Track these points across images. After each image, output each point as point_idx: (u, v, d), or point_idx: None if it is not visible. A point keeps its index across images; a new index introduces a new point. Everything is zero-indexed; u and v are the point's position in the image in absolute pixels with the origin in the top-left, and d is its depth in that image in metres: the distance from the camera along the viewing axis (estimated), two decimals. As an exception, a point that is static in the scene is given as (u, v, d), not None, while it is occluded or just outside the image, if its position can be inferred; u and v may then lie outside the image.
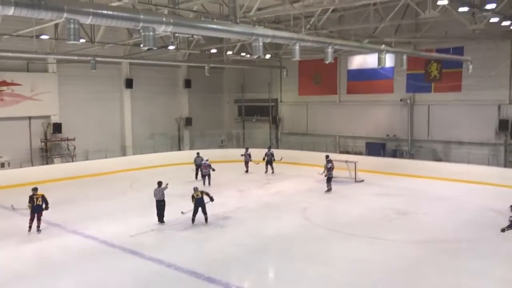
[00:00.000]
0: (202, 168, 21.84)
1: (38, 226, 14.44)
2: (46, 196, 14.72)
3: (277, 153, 25.73)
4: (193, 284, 10.52)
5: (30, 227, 14.34)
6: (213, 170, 21.68)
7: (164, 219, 15.36)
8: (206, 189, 17.73)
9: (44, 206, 14.48)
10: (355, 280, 10.70)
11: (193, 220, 15.21)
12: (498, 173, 21.39)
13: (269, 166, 24.81)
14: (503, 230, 11.74)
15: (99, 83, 27.42)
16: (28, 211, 14.44)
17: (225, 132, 34.43)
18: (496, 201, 18.06)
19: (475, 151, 23.81)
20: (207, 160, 21.95)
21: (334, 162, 20.72)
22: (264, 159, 24.89)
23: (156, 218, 15.31)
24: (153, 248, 12.85)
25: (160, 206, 15.35)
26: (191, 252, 12.67)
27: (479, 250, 12.65)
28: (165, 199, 15.39)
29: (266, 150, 25.23)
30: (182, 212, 15.61)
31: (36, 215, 14.33)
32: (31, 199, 14.39)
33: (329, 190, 19.94)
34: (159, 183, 15.59)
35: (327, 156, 21.02)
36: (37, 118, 25.05)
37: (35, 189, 14.65)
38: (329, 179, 20.07)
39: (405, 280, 10.65)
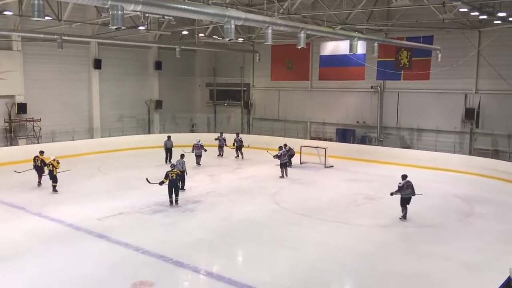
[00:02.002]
0: (195, 149, 22.22)
1: (39, 182, 17.81)
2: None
3: (247, 138, 25.72)
4: (161, 268, 10.44)
5: (39, 182, 17.84)
6: (205, 150, 22.40)
7: (138, 202, 15.60)
8: (196, 169, 17.99)
9: (42, 166, 17.69)
10: (324, 264, 10.85)
11: (171, 202, 15.29)
12: (462, 161, 21.99)
13: (239, 152, 24.83)
14: (391, 194, 14.10)
15: (66, 63, 26.61)
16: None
17: (197, 116, 34.12)
18: (459, 187, 18.66)
19: (442, 139, 24.38)
20: (199, 141, 22.51)
21: (305, 148, 20.77)
22: (233, 145, 24.92)
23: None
24: (120, 232, 12.69)
25: (181, 176, 16.60)
26: (160, 236, 12.56)
27: (443, 234, 13.03)
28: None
29: (235, 136, 25.21)
30: (147, 180, 15.65)
31: (38, 173, 17.76)
32: (34, 160, 17.87)
33: (283, 175, 20.12)
34: (182, 156, 17.54)
35: (285, 145, 21.17)
36: (0, 98, 24.16)
37: (41, 152, 17.96)
38: (282, 165, 20.25)
39: (372, 263, 10.87)
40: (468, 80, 23.81)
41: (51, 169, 16.91)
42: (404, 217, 14.11)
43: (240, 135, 25.49)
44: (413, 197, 14.18)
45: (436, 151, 23.05)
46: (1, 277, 9.93)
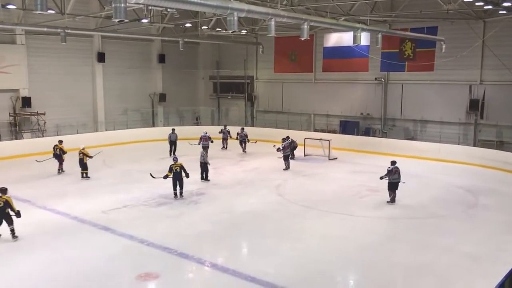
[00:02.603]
0: (202, 141, 22.53)
1: (60, 169, 18.97)
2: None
3: (251, 131, 25.65)
4: (166, 260, 10.51)
5: (58, 169, 18.96)
6: (212, 142, 22.87)
7: (142, 195, 15.74)
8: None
9: (62, 155, 18.90)
10: (327, 255, 10.88)
11: (175, 194, 15.36)
12: (467, 152, 21.92)
13: (242, 145, 24.77)
14: (381, 178, 14.77)
15: (70, 57, 26.66)
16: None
17: (201, 109, 34.12)
18: (464, 178, 18.63)
19: (446, 130, 24.30)
20: (206, 133, 22.86)
21: (309, 140, 20.86)
22: (237, 138, 24.91)
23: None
24: (125, 224, 12.76)
25: (201, 166, 17.84)
26: (164, 228, 12.63)
27: (447, 225, 13.03)
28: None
29: (238, 130, 25.13)
30: (151, 175, 15.68)
31: (58, 160, 18.86)
32: (53, 149, 18.96)
33: (286, 168, 20.14)
34: (204, 148, 19.86)
35: (287, 137, 21.21)
36: (5, 92, 24.24)
37: (60, 142, 19.07)
38: (285, 157, 20.31)
39: (376, 254, 10.90)
40: (472, 71, 23.68)
41: (82, 157, 18.06)
42: (392, 200, 14.80)
43: (245, 130, 25.32)
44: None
45: (440, 142, 22.99)
46: (6, 269, 10.02)
